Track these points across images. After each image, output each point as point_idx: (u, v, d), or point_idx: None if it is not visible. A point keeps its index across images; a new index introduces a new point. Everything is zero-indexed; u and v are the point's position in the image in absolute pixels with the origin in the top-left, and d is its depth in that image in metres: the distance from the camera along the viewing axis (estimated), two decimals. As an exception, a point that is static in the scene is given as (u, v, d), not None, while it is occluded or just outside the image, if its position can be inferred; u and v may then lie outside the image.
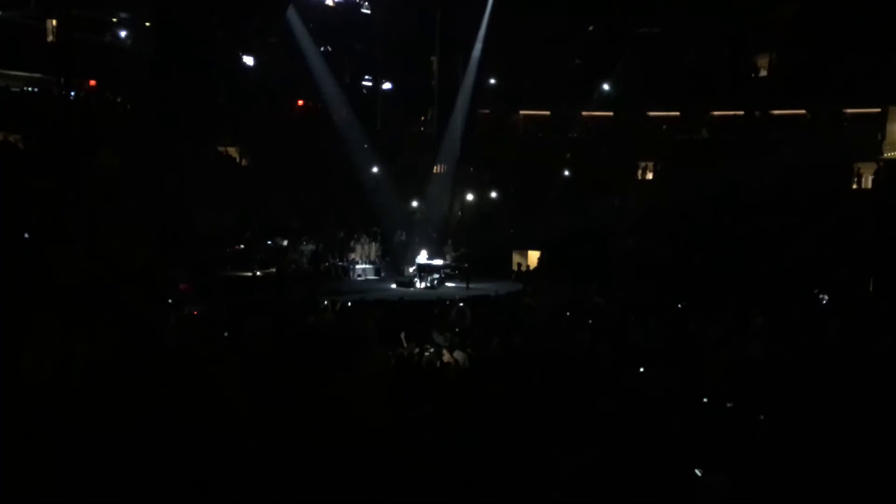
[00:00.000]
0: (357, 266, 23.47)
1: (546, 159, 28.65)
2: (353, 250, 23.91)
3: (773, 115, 27.50)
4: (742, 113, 27.78)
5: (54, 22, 23.89)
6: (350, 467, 6.16)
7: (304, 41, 25.99)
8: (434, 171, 28.50)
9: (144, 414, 6.28)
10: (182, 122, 21.85)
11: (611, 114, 29.14)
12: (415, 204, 27.42)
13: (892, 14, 23.34)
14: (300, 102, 28.30)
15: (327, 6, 28.44)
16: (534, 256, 26.93)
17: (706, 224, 23.61)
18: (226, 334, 12.28)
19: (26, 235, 17.60)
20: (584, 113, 29.63)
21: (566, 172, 28.85)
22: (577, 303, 16.83)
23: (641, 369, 10.08)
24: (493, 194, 28.96)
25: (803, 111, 27.26)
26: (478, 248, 24.39)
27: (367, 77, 29.76)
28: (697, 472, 6.41)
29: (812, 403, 8.35)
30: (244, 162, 27.10)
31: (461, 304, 16.64)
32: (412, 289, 21.44)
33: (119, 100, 25.19)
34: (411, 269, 22.55)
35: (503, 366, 10.61)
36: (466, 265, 22.95)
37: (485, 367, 10.69)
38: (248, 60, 27.25)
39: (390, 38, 27.05)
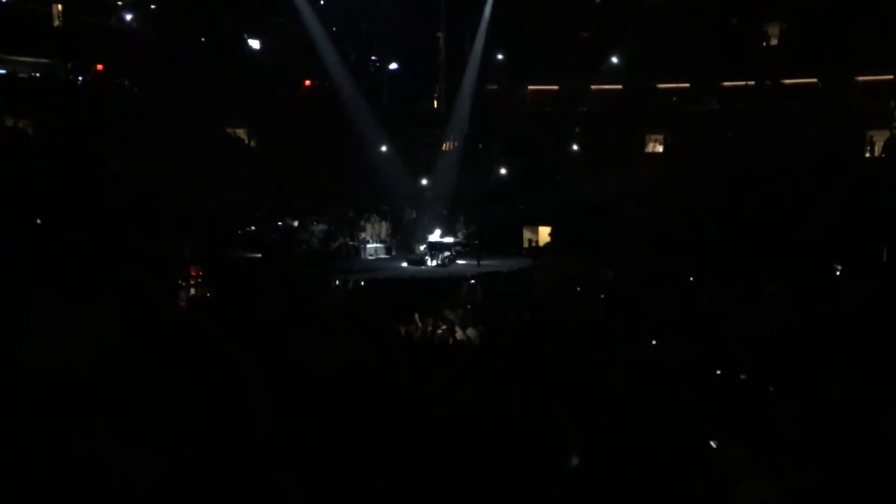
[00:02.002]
0: (368, 245, 23.47)
1: (555, 133, 28.49)
2: (363, 229, 23.90)
3: (784, 84, 27.19)
4: (753, 83, 27.47)
5: (60, 6, 23.80)
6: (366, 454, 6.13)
7: (309, 20, 25.84)
8: (443, 148, 28.40)
9: (154, 402, 6.17)
10: (189, 104, 21.82)
11: (619, 86, 28.90)
12: (424, 181, 27.36)
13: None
14: (307, 82, 28.19)
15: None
16: (545, 232, 26.87)
17: (718, 195, 23.46)
18: (242, 315, 12.27)
19: (38, 221, 17.68)
20: (592, 86, 29.42)
21: (575, 146, 28.72)
22: (589, 276, 16.80)
23: (654, 342, 10.07)
24: (503, 170, 28.86)
25: (815, 80, 26.91)
26: (488, 225, 24.35)
27: (373, 55, 29.59)
28: (713, 443, 6.39)
29: (825, 373, 8.30)
30: (252, 143, 27.06)
31: (472, 281, 16.65)
32: (423, 267, 21.43)
33: (126, 83, 25.14)
34: (422, 248, 22.54)
35: (516, 341, 10.60)
36: (477, 242, 22.91)
37: (497, 343, 10.68)
38: (254, 42, 27.16)
39: (396, 16, 26.86)
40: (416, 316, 12.26)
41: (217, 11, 25.19)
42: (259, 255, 21.34)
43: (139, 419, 6.01)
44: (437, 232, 22.61)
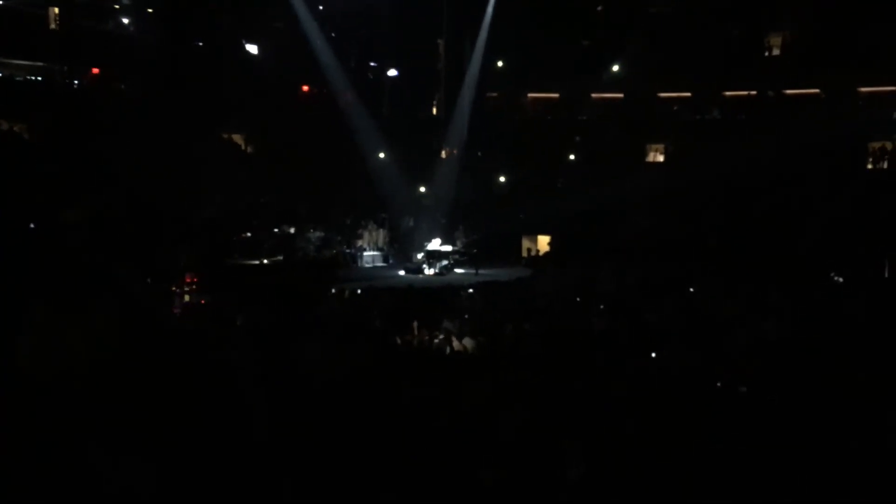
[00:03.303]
0: (365, 253, 23.29)
1: (555, 142, 28.35)
2: (360, 237, 23.73)
3: (786, 94, 27.05)
4: (755, 93, 27.34)
5: (56, 9, 23.63)
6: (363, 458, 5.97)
7: (308, 26, 25.71)
8: (442, 155, 28.24)
9: (151, 408, 6.05)
10: (187, 109, 21.64)
11: (621, 95, 28.78)
12: (423, 189, 27.19)
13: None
14: (305, 88, 28.04)
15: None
16: (544, 241, 26.74)
17: (719, 203, 23.32)
18: (237, 322, 12.09)
19: (34, 225, 17.51)
20: (593, 95, 29.30)
21: (575, 155, 28.57)
22: (590, 285, 16.64)
23: (654, 354, 9.89)
24: (502, 178, 28.71)
25: (817, 90, 26.79)
26: (487, 234, 24.17)
27: (373, 62, 29.47)
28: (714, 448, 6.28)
29: (826, 384, 8.17)
30: (249, 149, 26.89)
31: (470, 291, 16.48)
32: (421, 276, 21.24)
33: (123, 87, 24.97)
34: (420, 256, 22.35)
35: (514, 351, 10.43)
36: (476, 251, 22.72)
37: (495, 353, 10.51)
38: (252, 47, 27.02)
39: (396, 22, 26.73)
40: (415, 324, 12.11)
41: (215, 16, 25.03)
42: (255, 263, 21.15)
43: (134, 423, 5.78)
44: (437, 241, 22.42)
